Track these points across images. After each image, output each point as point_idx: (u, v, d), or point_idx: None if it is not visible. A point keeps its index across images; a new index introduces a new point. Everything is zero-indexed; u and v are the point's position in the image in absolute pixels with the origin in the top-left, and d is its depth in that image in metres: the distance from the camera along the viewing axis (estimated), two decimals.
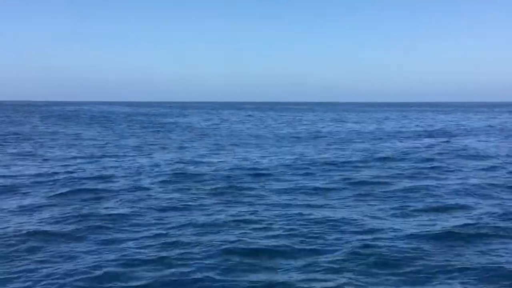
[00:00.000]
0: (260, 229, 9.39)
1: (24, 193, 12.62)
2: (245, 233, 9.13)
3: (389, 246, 8.47)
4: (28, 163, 18.81)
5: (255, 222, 9.85)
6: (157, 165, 17.68)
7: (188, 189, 13.19)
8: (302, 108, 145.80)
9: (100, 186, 13.46)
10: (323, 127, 46.55)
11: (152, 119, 65.99)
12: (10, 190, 13.06)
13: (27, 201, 11.72)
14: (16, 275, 7.19)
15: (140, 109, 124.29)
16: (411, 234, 9.17)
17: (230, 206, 11.36)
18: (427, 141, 29.24)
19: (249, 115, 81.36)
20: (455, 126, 47.51)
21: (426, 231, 9.32)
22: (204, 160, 19.69)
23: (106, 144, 27.69)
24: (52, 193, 12.62)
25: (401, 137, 32.62)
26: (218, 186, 13.59)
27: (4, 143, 28.72)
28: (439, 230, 9.35)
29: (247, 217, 10.24)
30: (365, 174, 15.99)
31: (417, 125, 49.17)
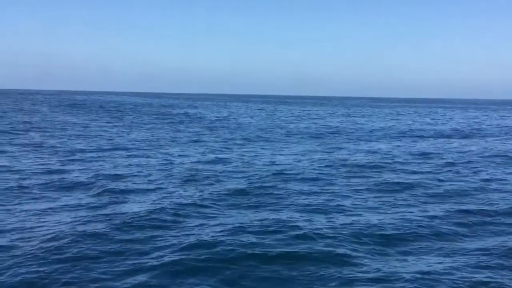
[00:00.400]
0: (289, 232, 8.84)
1: (38, 193, 11.96)
2: (275, 237, 8.60)
3: (429, 254, 7.93)
4: (38, 156, 18.39)
5: (283, 225, 9.27)
6: (171, 162, 17.02)
7: (207, 189, 12.52)
8: (309, 102, 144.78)
9: (114, 185, 12.79)
10: (337, 123, 45.90)
11: (162, 110, 65.50)
12: (22, 188, 12.40)
13: (42, 202, 11.13)
14: (45, 277, 6.79)
15: (148, 100, 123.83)
16: (466, 242, 8.60)
17: (253, 208, 10.78)
18: (453, 141, 28.52)
19: (260, 109, 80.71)
20: (469, 124, 46.69)
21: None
22: (219, 156, 19.15)
23: (116, 136, 27.25)
24: (67, 193, 12.02)
25: (418, 136, 31.92)
26: (238, 186, 12.93)
27: (14, 131, 28.39)
28: None
29: (273, 219, 9.68)
30: (392, 175, 15.26)
31: (429, 123, 48.39)
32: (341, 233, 8.95)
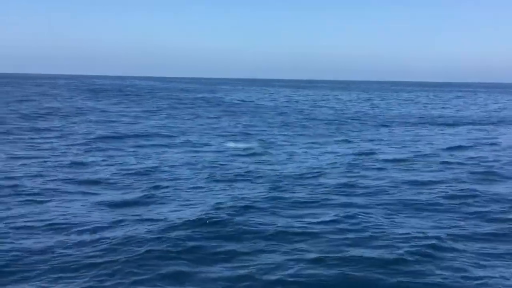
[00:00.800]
0: (335, 235, 8.30)
1: (63, 188, 11.38)
2: (319, 240, 8.05)
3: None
4: (61, 144, 18.15)
5: (330, 228, 8.68)
6: (195, 155, 16.30)
7: (238, 187, 11.77)
8: (326, 86, 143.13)
9: (140, 181, 12.10)
10: (359, 108, 45.17)
11: (180, 94, 65.15)
12: (47, 182, 11.80)
13: (70, 199, 10.63)
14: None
15: (165, 84, 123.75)
16: None
17: (291, 207, 10.07)
18: (486, 128, 27.55)
19: (278, 93, 79.97)
20: (496, 109, 45.37)
21: None
22: (242, 146, 18.53)
23: (135, 122, 26.98)
24: (93, 188, 11.44)
25: (451, 124, 30.94)
26: (269, 182, 12.16)
27: (36, 116, 28.46)
28: None
29: (315, 220, 9.10)
30: (428, 169, 14.41)
31: (462, 109, 47.13)
32: (385, 233, 8.33)
